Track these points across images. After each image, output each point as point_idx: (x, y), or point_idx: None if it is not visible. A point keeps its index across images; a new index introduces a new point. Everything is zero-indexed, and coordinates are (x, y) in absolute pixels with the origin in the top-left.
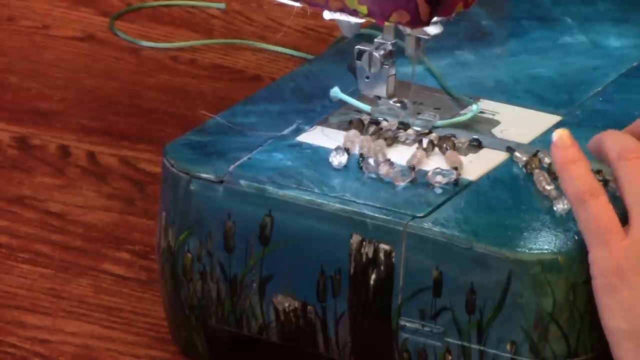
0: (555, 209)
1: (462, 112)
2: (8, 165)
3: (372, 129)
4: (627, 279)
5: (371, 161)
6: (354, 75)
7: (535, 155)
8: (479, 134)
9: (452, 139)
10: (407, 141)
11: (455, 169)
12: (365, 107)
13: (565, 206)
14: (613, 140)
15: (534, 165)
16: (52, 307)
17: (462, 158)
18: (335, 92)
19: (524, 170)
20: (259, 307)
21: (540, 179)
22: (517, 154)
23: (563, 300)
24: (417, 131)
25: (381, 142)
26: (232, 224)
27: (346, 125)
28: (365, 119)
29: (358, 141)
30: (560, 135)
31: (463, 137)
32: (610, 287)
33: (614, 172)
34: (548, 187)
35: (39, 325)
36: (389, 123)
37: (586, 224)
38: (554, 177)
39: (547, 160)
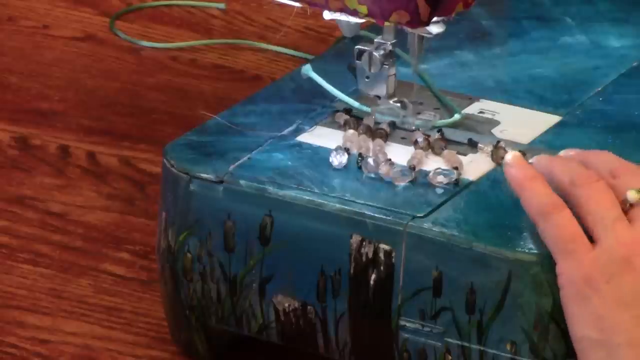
0: None
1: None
2: (8, 165)
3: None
4: (597, 288)
5: (370, 161)
6: (354, 75)
7: (497, 145)
8: (479, 134)
9: (445, 139)
10: (403, 139)
11: (456, 168)
12: (339, 94)
13: None
14: (563, 168)
15: (500, 156)
16: (52, 307)
17: (462, 158)
18: (307, 69)
19: (492, 162)
20: (259, 307)
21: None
22: (480, 145)
23: None
24: (406, 130)
25: (380, 141)
26: (232, 224)
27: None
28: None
29: (357, 141)
30: (514, 155)
31: (462, 137)
32: (580, 296)
33: (570, 198)
34: None
35: (39, 325)
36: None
37: (552, 237)
38: None
39: (509, 149)
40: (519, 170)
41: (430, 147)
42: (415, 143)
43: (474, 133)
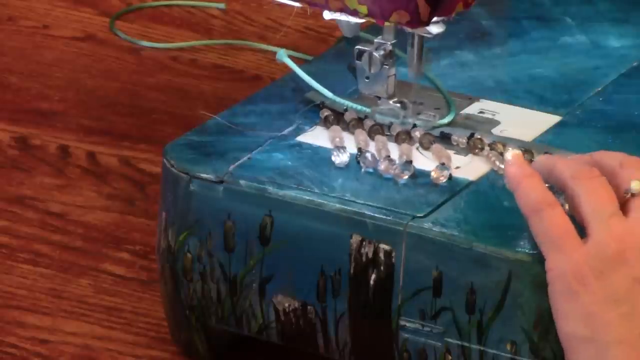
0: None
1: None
2: (8, 165)
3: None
4: (587, 284)
5: (369, 156)
6: (354, 75)
7: (471, 137)
8: (478, 134)
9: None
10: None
11: (443, 164)
12: (313, 82)
13: (560, 200)
14: (566, 164)
15: (476, 145)
16: (52, 307)
17: (462, 158)
18: (281, 55)
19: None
20: (259, 307)
21: (492, 159)
22: (454, 137)
23: None
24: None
25: (383, 138)
26: (232, 224)
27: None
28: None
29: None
30: (515, 154)
31: (462, 137)
32: (570, 292)
33: (568, 191)
34: (499, 164)
35: (39, 325)
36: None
37: (542, 232)
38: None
39: (486, 140)
40: (517, 168)
41: (420, 142)
42: (398, 138)
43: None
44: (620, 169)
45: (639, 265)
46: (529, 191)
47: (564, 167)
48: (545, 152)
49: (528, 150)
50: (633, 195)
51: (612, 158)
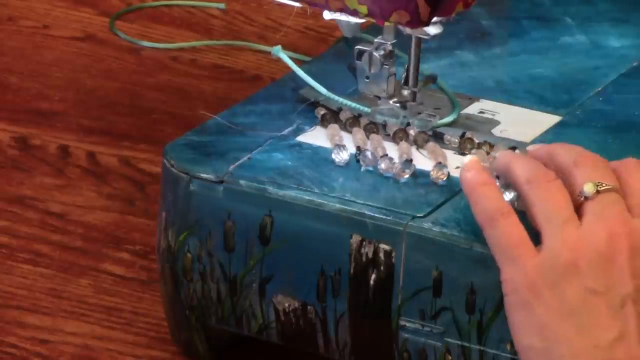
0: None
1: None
2: (8, 165)
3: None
4: (540, 295)
5: (368, 154)
6: (354, 75)
7: (463, 136)
8: (469, 134)
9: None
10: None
11: (440, 163)
12: (309, 79)
13: (511, 196)
14: (521, 166)
15: (468, 146)
16: (52, 307)
17: (462, 158)
18: (277, 50)
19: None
20: (259, 307)
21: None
22: (447, 136)
23: None
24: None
25: (378, 137)
26: (232, 224)
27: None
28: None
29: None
30: (472, 159)
31: (454, 136)
32: (524, 303)
33: (524, 196)
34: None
35: (39, 325)
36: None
37: (497, 243)
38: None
39: (476, 140)
40: (472, 174)
41: (414, 140)
42: (395, 136)
43: (473, 132)
44: (574, 167)
45: (592, 274)
46: (483, 200)
47: (518, 171)
48: (511, 148)
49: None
50: (587, 198)
51: (567, 154)
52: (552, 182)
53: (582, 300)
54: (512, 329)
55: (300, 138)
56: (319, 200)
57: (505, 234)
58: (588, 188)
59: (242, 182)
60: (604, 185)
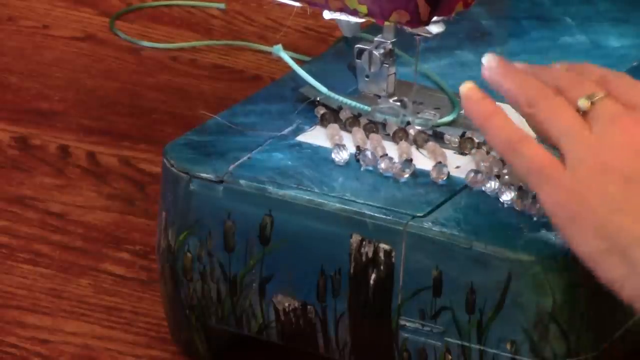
0: (501, 200)
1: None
2: (8, 165)
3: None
4: (585, 201)
5: (368, 154)
6: (354, 74)
7: (463, 136)
8: (478, 133)
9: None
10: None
11: (440, 162)
12: (309, 78)
13: (513, 195)
14: (518, 88)
15: (468, 146)
16: (52, 307)
17: (462, 157)
18: (277, 49)
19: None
20: (259, 307)
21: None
22: (447, 136)
23: (563, 300)
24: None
25: (377, 136)
26: (232, 223)
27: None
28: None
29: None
30: (469, 88)
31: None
32: (573, 216)
33: (529, 117)
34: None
35: (39, 325)
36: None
37: (525, 168)
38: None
39: (476, 140)
40: (477, 104)
41: (414, 139)
42: (395, 136)
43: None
44: (564, 91)
45: (624, 165)
46: (500, 129)
47: (518, 94)
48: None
49: None
50: (585, 113)
51: (552, 79)
52: (552, 98)
53: (625, 190)
54: (571, 243)
55: (300, 138)
56: (319, 200)
57: (531, 158)
58: (582, 103)
59: (242, 181)
60: (595, 95)
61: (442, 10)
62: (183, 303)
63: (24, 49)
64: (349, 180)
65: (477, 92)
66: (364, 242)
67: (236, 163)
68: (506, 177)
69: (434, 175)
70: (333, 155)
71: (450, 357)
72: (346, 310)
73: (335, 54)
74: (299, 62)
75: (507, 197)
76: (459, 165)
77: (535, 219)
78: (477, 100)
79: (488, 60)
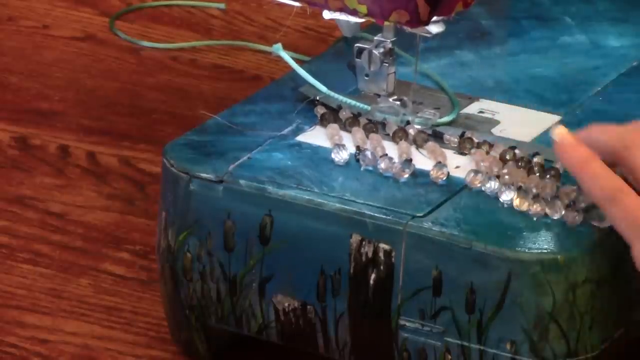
0: (501, 200)
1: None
2: (8, 165)
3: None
4: None
5: (368, 154)
6: (353, 73)
7: (463, 136)
8: (469, 133)
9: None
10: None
11: (439, 162)
12: (309, 77)
13: (513, 195)
14: (609, 134)
15: (467, 146)
16: (52, 307)
17: (462, 157)
18: (277, 48)
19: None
20: (259, 307)
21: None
22: (447, 136)
23: (563, 300)
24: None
25: (377, 136)
26: (232, 223)
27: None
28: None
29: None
30: (562, 134)
31: (454, 135)
32: None
33: (628, 162)
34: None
35: (39, 325)
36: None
37: (623, 221)
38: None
39: (475, 140)
40: (571, 150)
41: (413, 139)
42: (394, 136)
43: (471, 131)
44: (625, 150)
45: None
46: (597, 178)
47: (612, 139)
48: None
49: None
50: None
51: (613, 137)
52: (630, 196)
53: None
54: None
55: (300, 138)
56: (319, 200)
57: (630, 211)
58: None
59: (241, 181)
60: None
61: (442, 10)
62: (183, 303)
63: (24, 49)
64: (348, 180)
65: (570, 137)
66: (363, 242)
67: (236, 163)
68: (506, 177)
69: (433, 175)
70: (333, 155)
71: (450, 357)
72: (346, 310)
73: (335, 53)
74: (299, 62)
75: (507, 197)
76: (458, 165)
77: (535, 219)
78: (570, 146)
79: (560, 137)
